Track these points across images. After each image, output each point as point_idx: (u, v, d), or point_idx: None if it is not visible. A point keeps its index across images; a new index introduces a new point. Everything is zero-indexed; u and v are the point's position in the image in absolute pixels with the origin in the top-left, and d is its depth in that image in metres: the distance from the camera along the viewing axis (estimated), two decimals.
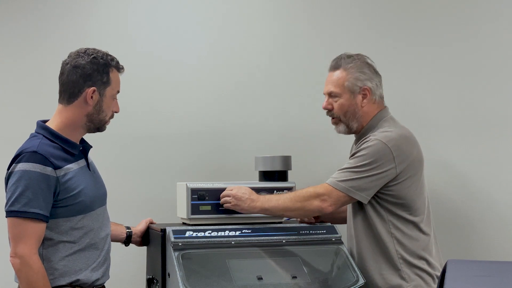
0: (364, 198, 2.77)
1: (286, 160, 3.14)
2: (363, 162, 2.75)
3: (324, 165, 3.57)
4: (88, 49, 2.61)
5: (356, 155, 2.80)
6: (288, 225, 2.92)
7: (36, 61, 3.62)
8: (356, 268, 2.78)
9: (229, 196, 2.86)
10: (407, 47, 3.50)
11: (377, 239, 2.80)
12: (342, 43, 3.54)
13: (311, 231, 2.87)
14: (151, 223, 3.04)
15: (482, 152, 3.37)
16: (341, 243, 2.88)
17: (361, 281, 2.73)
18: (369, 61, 2.91)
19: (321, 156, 3.58)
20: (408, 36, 3.50)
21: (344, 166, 2.80)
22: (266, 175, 3.13)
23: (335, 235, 2.89)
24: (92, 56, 2.58)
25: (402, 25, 3.52)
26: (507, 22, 3.36)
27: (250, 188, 2.88)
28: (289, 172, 3.17)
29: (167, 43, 3.64)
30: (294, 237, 2.85)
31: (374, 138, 2.78)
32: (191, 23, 3.65)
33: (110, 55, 2.63)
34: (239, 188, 2.87)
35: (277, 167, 3.12)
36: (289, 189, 2.99)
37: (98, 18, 3.66)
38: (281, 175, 3.12)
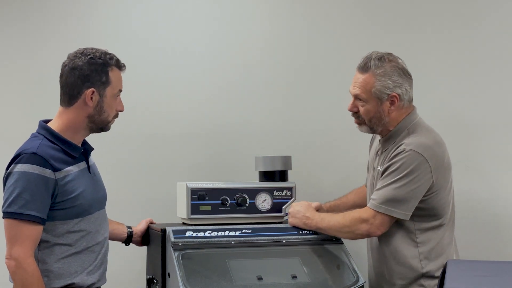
0: (405, 215, 2.71)
1: (286, 160, 3.14)
2: (399, 176, 2.69)
3: (325, 165, 3.57)
4: (86, 49, 2.58)
5: (390, 169, 2.72)
6: (288, 225, 2.92)
7: (37, 61, 3.61)
8: (356, 268, 2.78)
9: (290, 214, 2.91)
10: (422, 45, 3.48)
11: (400, 243, 2.78)
12: (344, 42, 3.54)
13: (311, 231, 2.87)
14: (151, 223, 3.04)
15: (489, 151, 3.37)
16: (341, 243, 2.87)
17: (361, 281, 2.73)
18: (400, 62, 2.79)
19: (321, 156, 3.58)
20: (424, 33, 3.49)
21: (381, 185, 2.73)
22: (266, 175, 3.13)
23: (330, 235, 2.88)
24: (90, 56, 2.54)
25: (411, 23, 3.50)
26: None
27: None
28: (289, 172, 3.17)
29: (166, 43, 3.64)
30: (294, 237, 2.85)
31: (409, 148, 2.70)
32: (191, 23, 3.64)
33: (109, 54, 2.59)
34: (296, 204, 2.92)
35: (277, 167, 3.12)
36: (289, 189, 2.99)
37: (98, 18, 3.65)
38: (281, 175, 3.12)
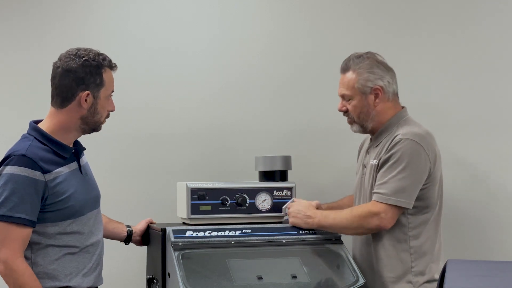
0: (410, 204, 2.76)
1: (286, 160, 3.14)
2: (402, 166, 2.72)
3: (325, 165, 3.57)
4: (79, 50, 2.55)
5: (392, 160, 2.75)
6: (288, 225, 2.92)
7: (33, 61, 3.60)
8: (356, 268, 2.78)
9: (290, 213, 2.90)
10: (416, 44, 3.48)
11: (392, 237, 2.81)
12: (344, 42, 3.53)
13: (311, 231, 2.87)
14: (151, 223, 3.04)
15: (491, 151, 3.37)
16: (341, 243, 2.87)
17: (361, 281, 2.73)
18: (379, 58, 2.89)
19: (321, 156, 3.58)
20: (419, 34, 3.49)
21: (386, 177, 2.75)
22: (266, 175, 3.13)
23: (335, 235, 2.89)
24: (84, 58, 2.51)
25: (411, 22, 3.50)
26: None
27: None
28: (289, 172, 3.17)
29: (166, 43, 3.64)
30: (294, 237, 2.85)
31: (406, 138, 2.75)
32: (191, 23, 3.64)
33: (102, 54, 2.57)
34: (298, 204, 2.90)
35: (277, 167, 3.12)
36: (289, 189, 2.99)
37: (95, 17, 3.64)
38: (281, 175, 3.12)
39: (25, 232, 2.44)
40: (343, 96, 2.90)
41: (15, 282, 2.42)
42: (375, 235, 2.83)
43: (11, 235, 2.41)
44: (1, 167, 2.47)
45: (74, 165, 2.59)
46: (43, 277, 2.49)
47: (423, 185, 2.77)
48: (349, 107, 2.88)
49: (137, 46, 3.62)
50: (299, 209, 2.88)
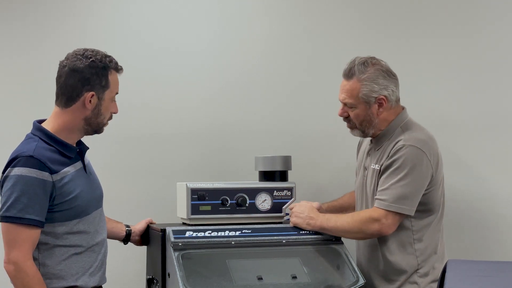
0: (412, 211, 2.75)
1: (286, 160, 3.14)
2: (404, 173, 2.72)
3: (324, 165, 3.57)
4: (87, 50, 2.55)
5: (394, 167, 2.75)
6: (288, 225, 2.92)
7: (34, 60, 3.61)
8: (356, 268, 2.78)
9: (293, 213, 2.89)
10: (415, 46, 3.49)
11: (398, 240, 2.81)
12: (345, 43, 3.54)
13: (311, 231, 2.87)
14: (151, 223, 3.04)
15: (492, 152, 3.37)
16: (341, 243, 2.87)
17: (361, 281, 2.73)
18: (383, 64, 2.83)
19: (321, 156, 3.58)
20: (418, 35, 3.49)
21: (388, 183, 2.75)
22: (266, 175, 3.13)
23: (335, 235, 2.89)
24: (91, 59, 2.51)
25: (410, 23, 3.50)
26: None
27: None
28: (289, 172, 3.17)
29: (166, 42, 3.64)
30: (294, 237, 2.85)
31: (408, 144, 2.74)
32: (192, 23, 3.64)
33: (109, 56, 2.57)
34: (300, 205, 2.90)
35: (277, 167, 3.12)
36: (289, 189, 2.99)
37: (96, 17, 3.65)
38: (281, 175, 3.13)
39: (35, 234, 2.45)
40: (345, 103, 2.85)
41: (25, 285, 2.42)
42: (381, 240, 2.82)
43: (21, 236, 2.42)
44: (9, 168, 2.47)
45: (78, 164, 2.60)
46: (51, 277, 2.50)
47: (426, 190, 2.76)
48: (351, 114, 2.84)
49: (137, 46, 3.62)
50: (302, 210, 2.88)
